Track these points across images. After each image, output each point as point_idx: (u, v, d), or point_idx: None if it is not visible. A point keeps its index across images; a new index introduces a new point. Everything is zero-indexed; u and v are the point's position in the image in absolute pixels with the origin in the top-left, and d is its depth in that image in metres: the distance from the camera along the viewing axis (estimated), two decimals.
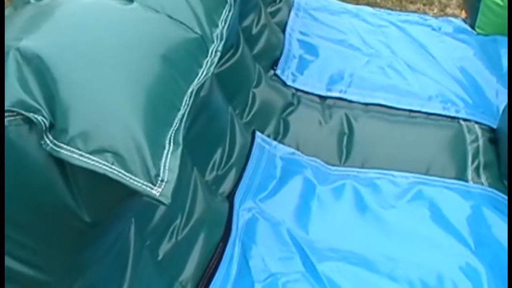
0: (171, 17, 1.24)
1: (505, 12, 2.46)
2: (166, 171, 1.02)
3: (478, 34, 2.55)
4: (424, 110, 2.13)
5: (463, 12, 3.33)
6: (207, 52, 1.27)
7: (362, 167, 1.90)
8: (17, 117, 0.98)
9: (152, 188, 0.99)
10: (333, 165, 1.91)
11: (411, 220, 1.73)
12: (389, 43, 2.40)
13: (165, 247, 1.45)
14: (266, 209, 1.72)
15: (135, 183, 0.98)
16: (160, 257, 1.43)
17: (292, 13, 2.48)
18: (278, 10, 2.43)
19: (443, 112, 2.13)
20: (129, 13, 1.20)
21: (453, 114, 2.13)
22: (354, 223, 1.72)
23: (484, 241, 1.69)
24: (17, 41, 1.06)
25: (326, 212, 1.74)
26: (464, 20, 2.65)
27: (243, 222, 1.66)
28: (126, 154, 0.98)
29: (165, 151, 1.03)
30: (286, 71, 2.21)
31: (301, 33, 2.40)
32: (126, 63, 1.09)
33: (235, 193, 1.72)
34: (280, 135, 1.97)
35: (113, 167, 0.97)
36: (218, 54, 1.28)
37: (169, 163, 1.02)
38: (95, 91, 1.03)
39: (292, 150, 1.91)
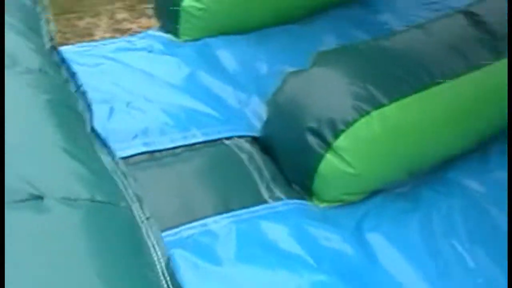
0: None
1: (206, 15, 2.45)
2: None
3: (186, 41, 2.49)
4: (186, 142, 2.04)
5: (133, 14, 3.27)
6: None
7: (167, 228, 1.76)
8: None
9: None
10: None
11: (254, 269, 1.67)
12: (116, 81, 2.21)
13: None
14: None
15: None
16: None
17: None
18: None
19: (205, 138, 2.07)
20: None
21: (215, 137, 2.08)
22: None
23: (324, 255, 1.73)
24: None
25: None
26: (163, 30, 2.57)
27: None
28: None
29: None
30: None
31: None
32: None
33: None
34: None
35: None
36: None
37: None
38: None
39: None
